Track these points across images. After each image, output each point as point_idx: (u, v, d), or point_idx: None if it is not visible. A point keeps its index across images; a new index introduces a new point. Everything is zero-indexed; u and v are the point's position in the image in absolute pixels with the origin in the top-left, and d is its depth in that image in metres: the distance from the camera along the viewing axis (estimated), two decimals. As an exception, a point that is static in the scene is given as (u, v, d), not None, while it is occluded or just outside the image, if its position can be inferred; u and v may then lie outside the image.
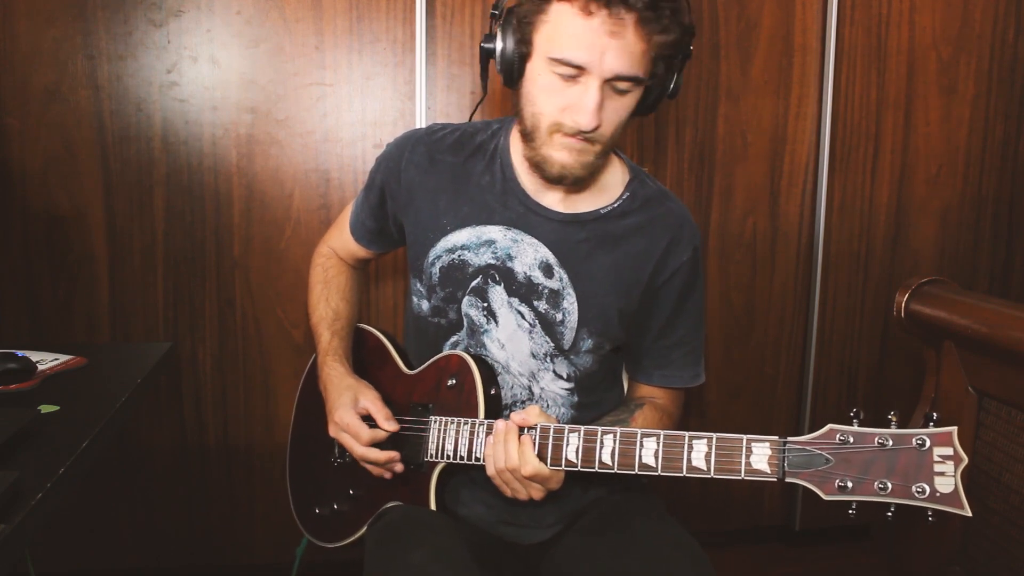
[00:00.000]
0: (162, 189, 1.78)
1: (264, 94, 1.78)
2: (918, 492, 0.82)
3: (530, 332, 1.15)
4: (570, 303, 1.13)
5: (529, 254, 1.13)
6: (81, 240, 1.77)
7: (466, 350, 1.17)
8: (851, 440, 0.85)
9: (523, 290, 1.14)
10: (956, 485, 0.81)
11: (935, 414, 0.85)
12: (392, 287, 1.91)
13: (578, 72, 0.97)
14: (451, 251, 1.16)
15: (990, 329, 1.37)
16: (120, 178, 1.76)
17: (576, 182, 1.08)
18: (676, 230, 1.16)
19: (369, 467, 1.14)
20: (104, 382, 1.09)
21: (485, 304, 1.15)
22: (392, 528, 1.08)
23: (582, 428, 1.00)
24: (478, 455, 1.07)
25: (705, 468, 0.92)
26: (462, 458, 1.08)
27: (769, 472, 0.89)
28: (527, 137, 1.07)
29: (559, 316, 1.13)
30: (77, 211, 1.76)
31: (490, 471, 1.03)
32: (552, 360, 1.16)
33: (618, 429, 0.98)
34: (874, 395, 2.17)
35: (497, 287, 1.15)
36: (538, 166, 1.07)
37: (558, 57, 0.97)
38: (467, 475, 1.18)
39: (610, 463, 0.98)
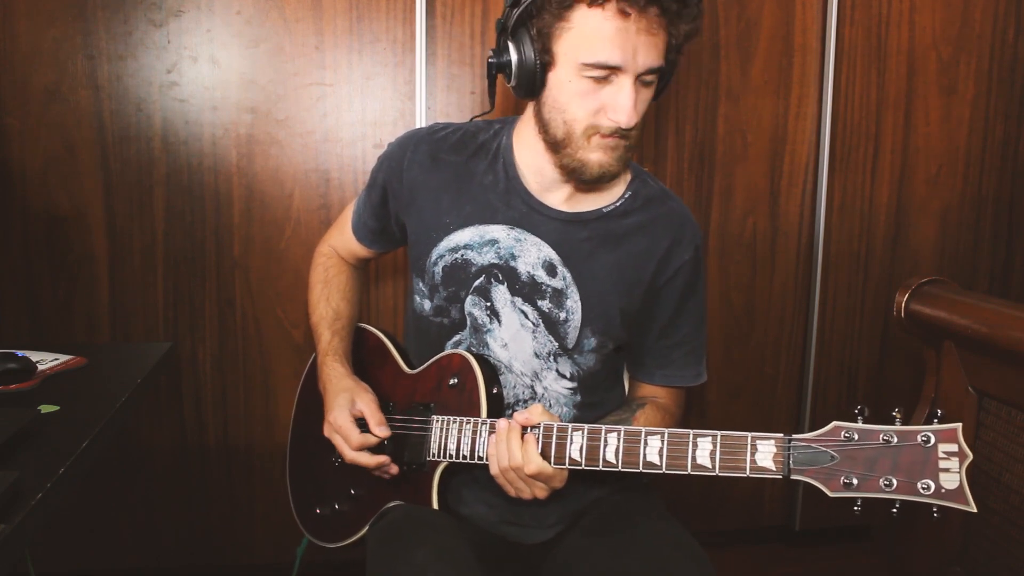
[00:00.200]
0: (162, 189, 1.78)
1: (264, 94, 1.78)
2: (923, 488, 0.82)
3: (533, 332, 1.14)
4: (574, 302, 1.13)
5: (532, 253, 1.13)
6: (81, 240, 1.77)
7: (468, 349, 1.17)
8: (856, 437, 0.85)
9: (526, 289, 1.14)
10: (961, 481, 0.81)
11: (940, 411, 0.85)
12: (392, 287, 1.90)
13: (610, 72, 0.98)
14: (454, 250, 1.16)
15: (990, 329, 1.37)
16: (120, 178, 1.76)
17: (613, 178, 1.09)
18: (678, 230, 1.16)
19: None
20: (104, 382, 1.09)
21: (488, 304, 1.15)
22: (394, 527, 1.08)
23: (586, 426, 1.00)
24: (480, 454, 1.06)
25: (710, 466, 0.92)
26: (464, 457, 1.08)
27: (774, 469, 0.89)
28: (558, 145, 1.06)
29: (563, 315, 1.13)
30: (77, 211, 1.76)
31: (493, 470, 1.03)
32: (555, 359, 1.16)
33: (622, 427, 0.98)
34: (874, 395, 2.17)
35: (500, 286, 1.14)
36: (574, 172, 1.06)
37: (591, 62, 0.97)
38: (469, 475, 1.18)
39: (614, 461, 0.97)
